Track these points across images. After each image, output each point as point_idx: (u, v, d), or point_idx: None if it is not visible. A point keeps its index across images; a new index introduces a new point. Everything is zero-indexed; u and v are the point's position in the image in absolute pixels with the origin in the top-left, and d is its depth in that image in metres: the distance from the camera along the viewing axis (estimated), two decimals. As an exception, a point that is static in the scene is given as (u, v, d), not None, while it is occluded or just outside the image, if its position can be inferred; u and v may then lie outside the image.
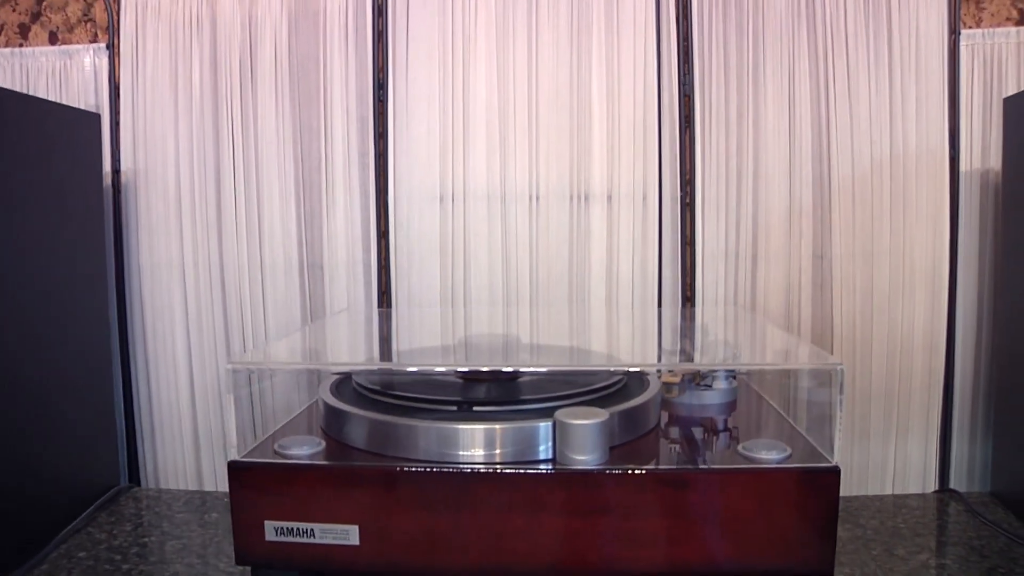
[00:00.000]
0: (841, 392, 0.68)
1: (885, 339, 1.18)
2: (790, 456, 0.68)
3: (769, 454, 0.68)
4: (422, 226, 1.21)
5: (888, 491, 1.19)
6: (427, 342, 1.01)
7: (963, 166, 1.18)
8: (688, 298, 1.18)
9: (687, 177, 1.18)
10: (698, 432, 0.77)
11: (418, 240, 1.21)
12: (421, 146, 1.20)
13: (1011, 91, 1.16)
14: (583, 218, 1.18)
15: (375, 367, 0.81)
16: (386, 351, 0.99)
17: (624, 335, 1.01)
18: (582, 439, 0.67)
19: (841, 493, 1.16)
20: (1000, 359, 1.14)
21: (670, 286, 1.18)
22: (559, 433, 0.68)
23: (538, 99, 1.18)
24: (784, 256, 1.18)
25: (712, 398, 0.84)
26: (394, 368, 0.84)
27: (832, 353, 1.17)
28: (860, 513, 1.07)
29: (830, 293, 1.18)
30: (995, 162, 1.18)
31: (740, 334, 0.93)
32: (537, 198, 1.19)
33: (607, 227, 1.18)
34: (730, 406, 0.85)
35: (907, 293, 1.18)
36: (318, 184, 1.22)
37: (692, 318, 1.09)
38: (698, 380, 0.82)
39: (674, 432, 0.77)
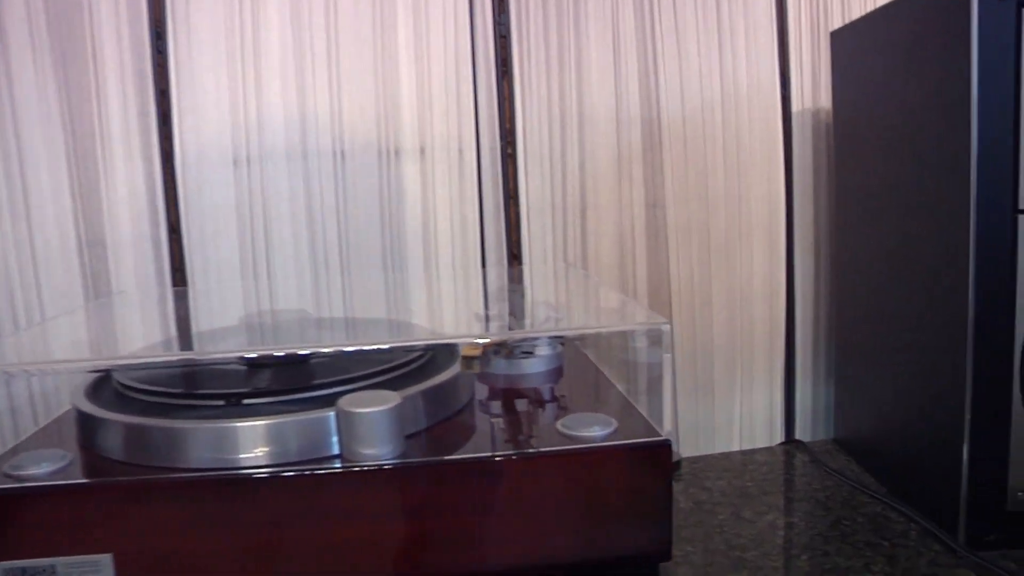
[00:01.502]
0: (670, 353, 0.59)
1: (725, 288, 1.12)
2: (616, 431, 0.60)
3: (592, 430, 0.59)
4: (215, 192, 1.06)
5: (736, 447, 1.14)
6: (217, 322, 0.87)
7: (795, 105, 1.13)
8: (515, 256, 1.08)
9: (507, 126, 1.08)
10: (519, 407, 0.68)
11: (212, 208, 1.06)
12: (209, 102, 1.05)
13: (837, 24, 1.11)
14: (394, 175, 1.07)
15: (106, 362, 0.68)
16: (163, 337, 0.86)
17: (438, 301, 0.90)
18: (368, 429, 0.56)
19: (689, 454, 1.12)
20: (838, 303, 1.10)
21: (494, 244, 1.08)
22: (343, 424, 0.57)
23: (338, 45, 1.05)
24: (615, 206, 1.10)
25: (534, 367, 0.75)
26: (134, 361, 0.70)
27: (671, 306, 1.11)
28: (706, 475, 1.00)
29: (665, 242, 1.10)
30: (826, 100, 1.13)
31: (564, 294, 0.84)
32: (343, 155, 1.06)
33: (421, 183, 1.07)
34: (555, 374, 0.76)
35: (744, 239, 1.12)
36: (92, 151, 1.06)
37: (516, 278, 0.99)
38: (508, 351, 0.72)
39: (490, 410, 0.68)
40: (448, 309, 0.83)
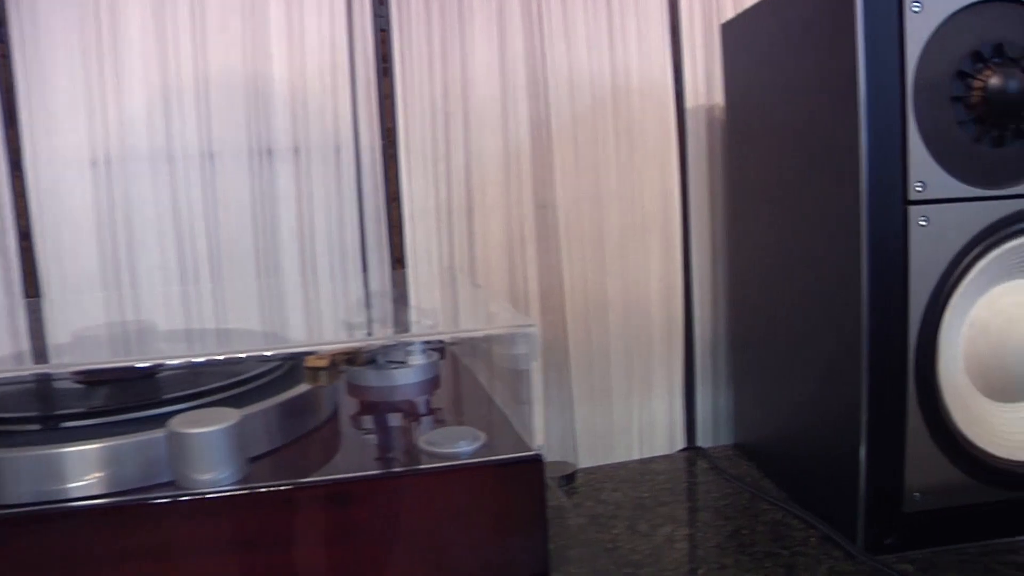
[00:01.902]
0: (537, 360, 0.54)
1: (620, 290, 1.08)
2: (485, 446, 0.54)
3: (457, 446, 0.53)
4: (72, 196, 0.98)
5: (636, 455, 1.10)
6: (58, 336, 0.79)
7: (689, 100, 1.10)
8: (398, 260, 1.02)
9: (388, 124, 1.02)
10: (386, 422, 0.62)
11: (68, 213, 0.98)
12: (61, 99, 0.97)
13: (729, 16, 1.08)
14: (267, 176, 0.99)
15: None
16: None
17: (310, 309, 0.84)
18: (202, 451, 0.49)
19: (587, 464, 1.08)
20: (734, 304, 1.07)
21: (375, 248, 1.02)
22: (173, 447, 0.50)
23: (205, 36, 0.98)
24: (503, 207, 1.05)
25: (406, 377, 0.69)
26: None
27: (564, 310, 1.06)
28: (602, 487, 0.96)
29: (557, 244, 1.06)
30: (720, 96, 1.10)
31: (440, 299, 0.79)
32: (211, 156, 0.99)
33: (296, 185, 1.00)
34: (430, 385, 0.70)
35: (640, 239, 1.08)
36: (-71, 152, 0.96)
37: (396, 283, 0.93)
38: (365, 360, 0.66)
39: (354, 426, 0.62)
40: (317, 317, 0.77)
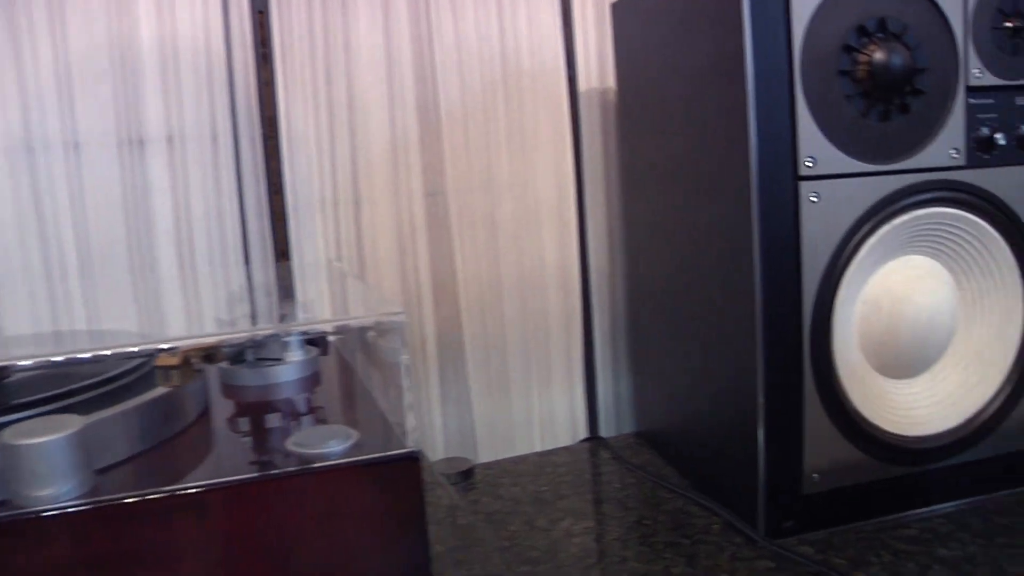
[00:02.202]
0: (405, 353, 0.50)
1: (516, 279, 1.05)
2: (357, 445, 0.50)
3: (327, 446, 0.49)
4: (-84, 194, 0.90)
5: (538, 447, 1.07)
6: None
7: (582, 83, 1.07)
8: (283, 253, 0.97)
9: (268, 112, 0.96)
10: (258, 424, 0.57)
11: (-88, 213, 0.90)
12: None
13: (618, -3, 1.06)
14: (139, 167, 0.93)
15: None
16: None
17: (185, 305, 0.78)
18: (36, 465, 0.44)
19: (488, 458, 1.04)
20: (632, 289, 1.06)
21: (258, 241, 0.97)
22: (6, 461, 0.44)
23: (64, 18, 0.90)
24: (392, 196, 1.01)
25: (282, 375, 0.65)
26: None
27: (459, 300, 1.02)
28: (500, 482, 0.93)
29: (449, 233, 1.02)
30: (613, 78, 1.08)
31: (319, 291, 0.74)
32: (76, 146, 0.92)
33: (171, 176, 0.94)
34: (309, 382, 0.66)
35: (534, 226, 1.05)
36: None
37: (278, 277, 0.88)
38: (223, 357, 0.61)
39: (222, 429, 0.57)
40: (191, 315, 0.71)
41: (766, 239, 0.72)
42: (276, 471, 0.47)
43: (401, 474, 0.48)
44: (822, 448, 0.76)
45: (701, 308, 0.84)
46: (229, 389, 0.64)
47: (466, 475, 0.92)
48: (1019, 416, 0.83)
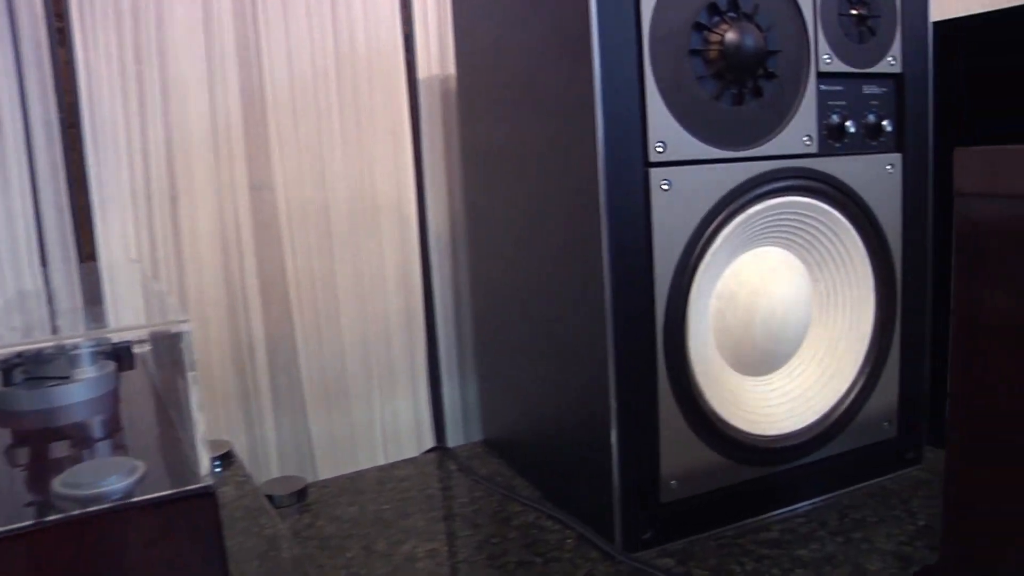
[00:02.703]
0: (193, 369, 0.42)
1: (352, 279, 0.97)
2: (142, 480, 0.41)
3: (103, 484, 0.40)
4: None
5: (381, 460, 1.00)
6: None
7: (421, 71, 1.00)
8: (89, 254, 0.86)
9: (67, 96, 0.85)
10: (23, 457, 0.47)
11: None
12: None
13: (458, -23, 1.00)
14: (-103, 155, 0.80)
15: None
16: None
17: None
18: None
19: (328, 475, 0.95)
20: (477, 289, 0.99)
21: (58, 241, 0.85)
22: None
23: None
24: (213, 189, 0.90)
25: (70, 396, 0.55)
26: None
27: (289, 303, 0.93)
28: (338, 502, 0.84)
29: (278, 231, 0.93)
30: (454, 65, 1.01)
31: (111, 297, 0.64)
32: None
33: (-61, 166, 0.81)
34: (103, 404, 0.56)
35: (372, 222, 0.98)
36: None
37: (85, 280, 0.77)
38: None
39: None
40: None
41: (615, 230, 0.67)
42: (30, 522, 0.38)
43: (193, 513, 0.39)
44: (679, 453, 0.72)
45: (548, 306, 0.79)
46: (4, 416, 0.54)
47: (300, 496, 0.84)
48: (872, 409, 0.81)
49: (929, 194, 0.82)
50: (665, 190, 0.67)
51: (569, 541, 0.74)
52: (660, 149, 0.67)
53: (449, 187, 1.02)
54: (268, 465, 0.94)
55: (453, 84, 1.01)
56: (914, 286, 0.82)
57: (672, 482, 0.72)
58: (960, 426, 0.40)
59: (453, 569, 0.69)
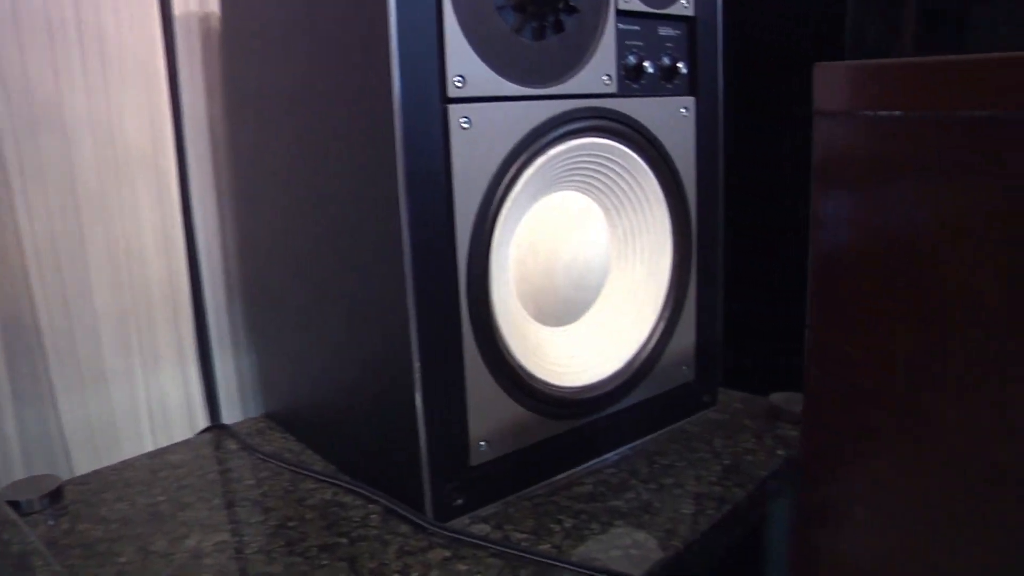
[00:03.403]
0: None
1: (104, 244, 0.85)
2: None
3: None
4: None
5: (149, 446, 0.88)
6: None
7: (177, 7, 0.88)
8: None
9: None
10: None
11: None
12: None
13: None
14: None
15: None
16: None
17: None
18: None
19: (86, 469, 0.83)
20: (248, 249, 0.90)
21: None
22: None
23: None
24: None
25: None
26: None
27: (27, 273, 0.79)
28: (102, 499, 0.73)
29: (8, 188, 0.79)
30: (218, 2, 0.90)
31: None
32: None
33: None
34: None
35: (124, 177, 0.85)
36: None
37: None
38: None
39: None
40: None
41: (413, 174, 0.60)
42: None
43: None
44: (487, 412, 0.67)
45: (335, 263, 0.72)
46: None
47: (53, 497, 0.72)
48: (672, 354, 0.80)
49: (720, 137, 0.81)
50: (465, 128, 0.62)
51: (374, 516, 0.68)
52: (459, 84, 0.61)
53: (212, 138, 0.91)
54: (10, 466, 0.80)
55: (215, 22, 0.90)
56: (708, 230, 0.82)
57: (481, 444, 0.67)
58: (817, 356, 0.38)
59: (248, 562, 0.61)
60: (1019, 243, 0.32)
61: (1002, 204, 0.31)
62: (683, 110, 0.77)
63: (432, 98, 0.60)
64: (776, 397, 0.85)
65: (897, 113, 0.32)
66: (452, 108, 0.61)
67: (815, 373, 0.38)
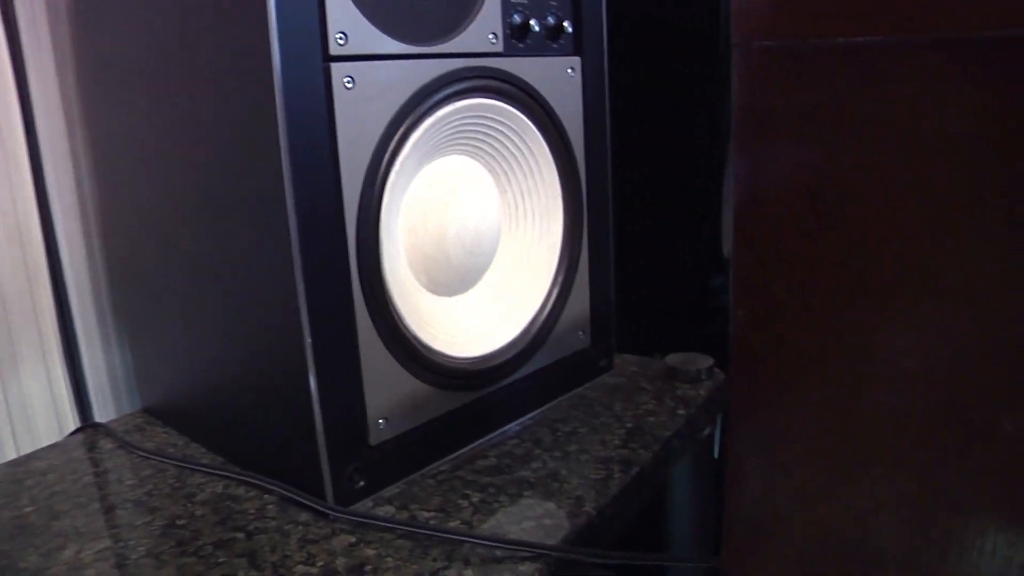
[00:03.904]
0: None
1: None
2: None
3: None
4: None
5: (12, 453, 0.81)
6: None
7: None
8: None
9: None
10: None
11: None
12: None
13: None
14: None
15: None
16: None
17: None
18: None
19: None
20: (112, 232, 0.84)
21: None
22: None
23: None
24: None
25: None
26: None
27: None
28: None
29: None
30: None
31: None
32: None
33: None
34: None
35: (-35, 161, 0.78)
36: None
37: None
38: None
39: None
40: None
41: (295, 136, 0.56)
42: None
43: None
44: (384, 388, 0.64)
45: (215, 238, 0.67)
46: None
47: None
48: (568, 320, 0.79)
49: (607, 97, 0.80)
50: (349, 88, 0.58)
51: (271, 507, 0.64)
52: (341, 41, 0.57)
53: (67, 113, 0.84)
54: None
55: (57, -11, 0.83)
56: (598, 192, 0.80)
57: (380, 422, 0.64)
58: (744, 300, 0.37)
59: (135, 567, 0.56)
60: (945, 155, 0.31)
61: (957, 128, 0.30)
62: (570, 70, 0.75)
63: (313, 57, 0.57)
64: (673, 358, 0.85)
65: (834, 41, 0.31)
66: (335, 67, 0.57)
67: (740, 315, 0.37)
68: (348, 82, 0.58)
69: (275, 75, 0.55)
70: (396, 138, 0.62)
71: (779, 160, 0.35)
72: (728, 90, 1.05)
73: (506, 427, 0.75)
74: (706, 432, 0.82)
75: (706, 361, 0.84)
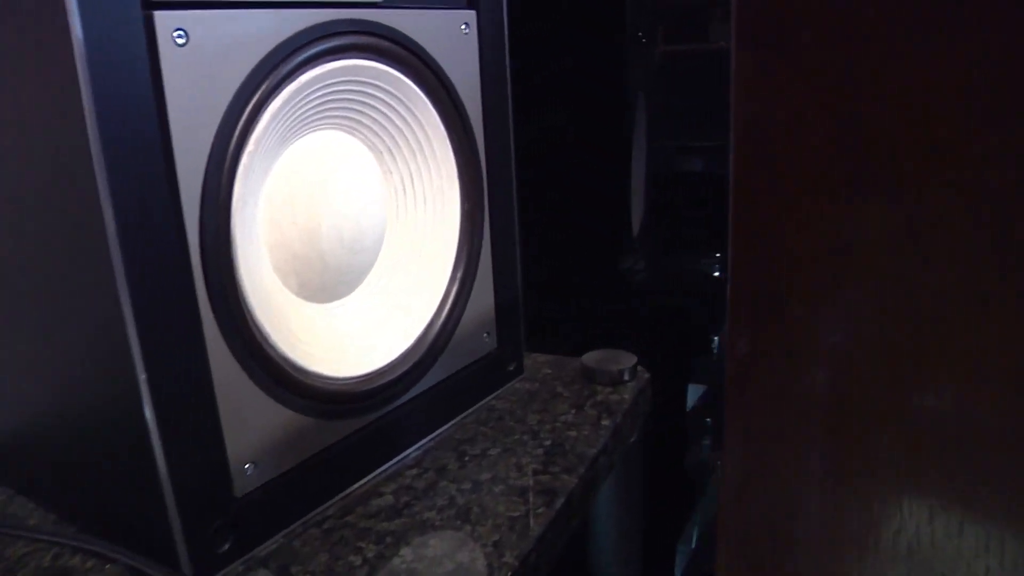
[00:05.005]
0: None
1: None
2: None
3: None
4: None
5: None
6: None
7: None
8: None
9: None
10: None
11: None
12: None
13: None
14: None
15: None
16: None
17: None
18: None
19: None
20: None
21: None
22: None
23: None
24: None
25: None
26: None
27: None
28: None
29: None
30: None
31: None
32: None
33: None
34: None
35: None
36: None
37: None
38: None
39: None
40: None
41: (106, 108, 0.42)
42: None
43: None
44: (248, 425, 0.52)
45: (19, 250, 0.53)
46: None
47: None
48: (470, 321, 0.68)
49: (507, 59, 0.68)
50: (181, 44, 0.45)
51: (110, 582, 0.50)
52: (174, -17, 0.44)
53: None
54: None
55: None
56: (499, 171, 0.69)
57: (247, 467, 0.52)
58: (740, 269, 0.28)
59: None
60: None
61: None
62: (464, 27, 0.63)
63: (128, 2, 0.43)
64: (590, 357, 0.75)
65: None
66: (159, 16, 0.44)
67: (736, 282, 0.29)
68: (179, 36, 0.45)
69: (73, 29, 0.41)
70: (248, 110, 0.49)
71: (797, 99, 0.25)
72: (640, 52, 0.95)
73: (404, 453, 0.63)
74: (632, 440, 0.72)
75: (629, 360, 0.74)
